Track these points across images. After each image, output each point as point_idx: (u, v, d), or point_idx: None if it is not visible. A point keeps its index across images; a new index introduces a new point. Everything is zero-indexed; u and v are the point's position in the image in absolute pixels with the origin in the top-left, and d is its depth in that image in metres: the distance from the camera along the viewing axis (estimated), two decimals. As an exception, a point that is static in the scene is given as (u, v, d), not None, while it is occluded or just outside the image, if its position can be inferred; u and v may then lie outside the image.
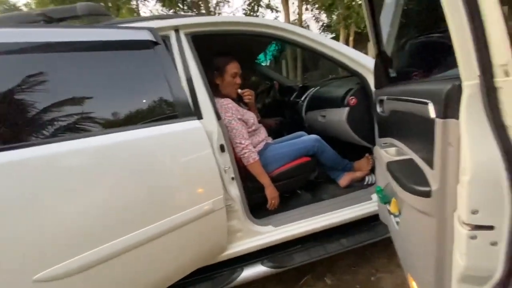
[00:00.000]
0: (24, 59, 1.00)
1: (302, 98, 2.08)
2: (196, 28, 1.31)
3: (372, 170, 1.70)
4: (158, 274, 1.13)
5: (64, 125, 1.00)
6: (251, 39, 1.73)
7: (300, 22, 8.00)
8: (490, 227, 0.46)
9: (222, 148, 1.29)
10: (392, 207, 1.01)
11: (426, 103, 0.57)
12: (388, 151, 0.88)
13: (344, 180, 1.69)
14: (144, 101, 1.23)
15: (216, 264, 1.36)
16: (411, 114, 0.67)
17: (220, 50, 1.62)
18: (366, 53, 1.57)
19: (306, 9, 9.39)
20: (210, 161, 1.18)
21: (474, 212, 0.46)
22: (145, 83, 1.23)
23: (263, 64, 2.87)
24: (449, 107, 0.50)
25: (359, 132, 1.53)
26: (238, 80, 1.52)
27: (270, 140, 1.66)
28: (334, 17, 8.07)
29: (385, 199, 1.09)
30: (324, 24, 10.69)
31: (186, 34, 1.31)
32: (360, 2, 7.44)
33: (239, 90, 1.59)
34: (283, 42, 1.47)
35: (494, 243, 0.47)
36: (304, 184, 1.67)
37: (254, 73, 2.62)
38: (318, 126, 1.89)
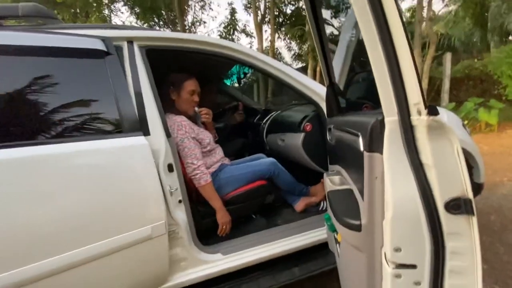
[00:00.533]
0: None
1: (264, 121, 2.09)
2: (151, 42, 1.27)
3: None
4: None
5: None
6: (215, 58, 1.73)
7: (272, 49, 8.40)
8: (413, 266, 0.45)
9: (170, 168, 1.20)
10: (339, 236, 1.00)
11: (358, 135, 0.58)
12: (332, 180, 0.88)
13: (299, 205, 1.68)
14: (88, 112, 1.14)
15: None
16: (349, 145, 0.68)
17: (180, 66, 1.58)
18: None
19: (279, 37, 9.97)
20: (151, 182, 1.08)
21: (397, 249, 0.45)
22: (92, 94, 1.15)
23: (230, 84, 2.89)
24: (374, 141, 0.51)
25: (313, 157, 1.55)
26: (195, 98, 1.48)
27: (226, 161, 1.61)
28: (305, 47, 8.63)
29: (332, 228, 1.08)
30: (296, 54, 11.35)
31: (140, 47, 1.26)
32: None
33: (196, 109, 1.54)
34: (241, 64, 1.47)
35: (417, 283, 0.46)
36: (259, 208, 1.62)
37: (219, 92, 2.61)
38: (278, 149, 1.90)
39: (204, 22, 10.20)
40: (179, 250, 1.25)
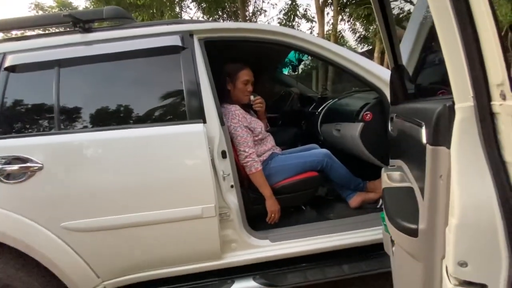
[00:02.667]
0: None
1: (319, 110, 1.99)
2: (209, 34, 1.33)
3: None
4: (156, 251, 1.24)
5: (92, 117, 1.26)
6: (270, 47, 1.72)
7: (334, 32, 7.83)
8: (483, 286, 0.37)
9: (223, 154, 1.27)
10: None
11: (421, 125, 0.49)
12: (391, 176, 0.78)
13: (354, 200, 1.57)
14: (160, 102, 1.31)
15: (207, 273, 1.33)
16: (411, 136, 0.58)
17: (236, 56, 1.62)
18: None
19: (342, 19, 9.19)
20: (204, 167, 1.17)
21: (462, 264, 0.37)
22: (169, 85, 1.30)
23: (285, 72, 2.83)
24: (440, 132, 0.42)
25: (372, 150, 1.41)
26: (249, 88, 1.51)
27: (278, 150, 1.61)
28: (371, 28, 7.77)
29: (389, 228, 0.97)
30: (361, 36, 10.33)
31: (200, 39, 1.33)
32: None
33: (251, 97, 1.57)
34: (298, 51, 1.42)
35: (487, 307, 0.37)
36: (309, 200, 1.58)
37: (274, 81, 2.59)
38: (333, 139, 1.79)
39: (265, 11, 10.13)
40: (230, 232, 1.32)
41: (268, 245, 1.35)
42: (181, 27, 1.32)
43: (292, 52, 2.22)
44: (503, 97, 0.32)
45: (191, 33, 1.31)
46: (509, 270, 0.33)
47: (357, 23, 9.37)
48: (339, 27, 8.61)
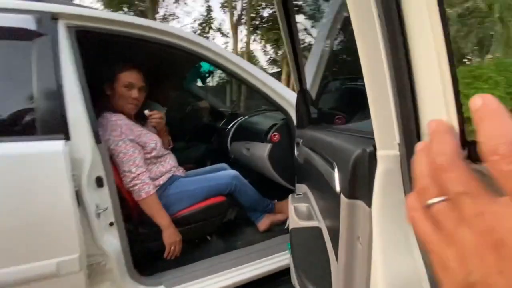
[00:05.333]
0: None
1: (229, 126, 1.88)
2: (81, 22, 1.00)
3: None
4: None
5: None
6: (175, 52, 1.49)
7: (247, 50, 8.24)
8: None
9: (99, 182, 0.95)
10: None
11: (333, 166, 0.40)
12: (298, 210, 0.71)
13: (263, 223, 1.49)
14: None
15: None
16: (320, 174, 0.51)
17: (128, 57, 1.31)
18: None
19: (254, 40, 9.85)
20: (63, 203, 0.83)
21: None
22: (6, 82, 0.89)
23: (196, 83, 2.64)
24: (358, 183, 0.34)
25: (280, 171, 1.38)
26: (134, 94, 1.20)
27: (180, 172, 1.37)
28: (280, 52, 8.60)
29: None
30: (271, 58, 11.33)
31: (69, 27, 0.98)
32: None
33: (146, 112, 1.28)
34: (203, 60, 1.26)
35: None
36: (215, 229, 1.40)
37: (180, 91, 2.35)
38: (242, 158, 1.70)
39: (177, 17, 9.68)
40: (108, 285, 0.99)
41: (163, 293, 1.08)
42: (39, 6, 0.95)
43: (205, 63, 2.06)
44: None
45: (54, 17, 0.96)
46: None
47: (268, 46, 10.23)
48: (252, 47, 9.15)
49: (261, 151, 1.39)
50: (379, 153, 0.33)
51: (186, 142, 2.19)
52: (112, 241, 0.99)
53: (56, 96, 0.88)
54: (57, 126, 0.87)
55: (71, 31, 0.99)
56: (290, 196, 0.95)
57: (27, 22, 0.90)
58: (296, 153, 0.99)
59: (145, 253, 1.18)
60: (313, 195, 0.73)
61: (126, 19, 1.06)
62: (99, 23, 1.03)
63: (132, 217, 1.18)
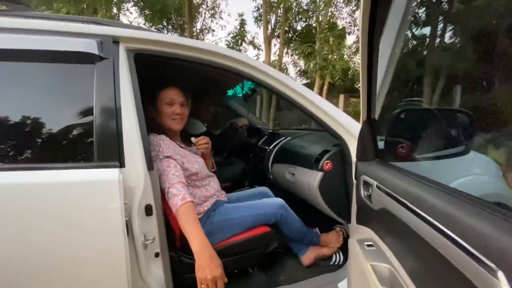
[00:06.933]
0: None
1: (271, 147, 1.80)
2: (143, 45, 0.99)
3: (342, 247, 1.42)
4: None
5: None
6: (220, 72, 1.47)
7: (280, 63, 8.22)
8: None
9: (148, 211, 0.90)
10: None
11: (492, 271, 0.29)
12: (378, 271, 0.58)
13: (307, 257, 1.37)
14: (51, 134, 0.88)
15: None
16: (412, 239, 0.40)
17: (172, 76, 1.29)
18: (336, 104, 1.40)
19: (287, 53, 9.84)
20: (113, 236, 0.79)
21: None
22: (65, 109, 0.90)
23: (234, 99, 2.62)
24: None
25: (331, 203, 1.26)
26: (176, 109, 1.14)
27: (223, 197, 1.30)
28: (311, 65, 8.46)
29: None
30: (301, 70, 11.23)
31: (128, 50, 0.98)
32: (336, 56, 7.95)
33: (193, 139, 1.25)
34: (250, 81, 1.20)
35: None
36: (258, 260, 1.30)
37: (221, 107, 2.34)
38: (285, 183, 1.60)
39: (213, 30, 10.01)
40: (149, 321, 0.93)
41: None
42: (102, 30, 0.95)
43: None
44: None
45: (115, 40, 0.96)
46: None
47: (299, 58, 10.18)
48: (283, 60, 9.14)
49: (311, 179, 1.28)
50: None
51: (223, 159, 2.15)
52: (156, 273, 0.94)
53: (114, 121, 0.87)
54: (113, 153, 0.85)
55: (130, 54, 0.98)
56: (356, 240, 0.82)
57: (91, 46, 0.90)
58: (363, 193, 0.87)
59: (187, 284, 1.11)
60: (395, 255, 0.61)
61: (183, 41, 1.04)
62: (157, 46, 1.01)
63: (174, 245, 1.13)
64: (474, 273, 0.32)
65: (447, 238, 0.37)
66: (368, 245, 0.74)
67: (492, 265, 0.30)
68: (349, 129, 1.16)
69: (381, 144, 0.92)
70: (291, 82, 1.17)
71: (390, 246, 0.64)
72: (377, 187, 0.72)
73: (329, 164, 1.23)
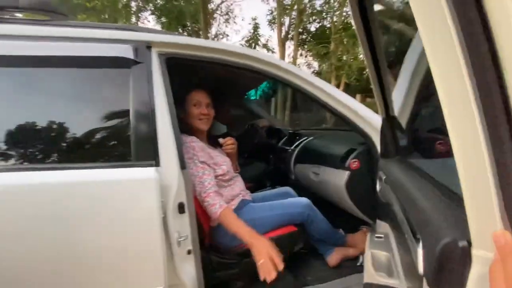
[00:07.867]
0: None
1: (292, 147, 1.80)
2: (173, 49, 1.03)
3: (368, 248, 1.39)
4: None
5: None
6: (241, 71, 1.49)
7: (294, 65, 8.23)
8: None
9: (181, 208, 0.93)
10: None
11: (417, 240, 0.33)
12: (376, 257, 0.57)
13: (334, 257, 1.35)
14: (92, 135, 0.93)
15: None
16: (404, 235, 0.40)
17: (196, 79, 1.33)
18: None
19: (301, 54, 9.81)
20: (151, 232, 0.82)
21: None
22: (103, 111, 0.94)
23: (253, 100, 2.64)
24: (444, 277, 0.27)
25: (358, 202, 1.24)
26: (204, 110, 1.21)
27: (248, 195, 1.32)
28: (325, 66, 8.38)
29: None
30: (315, 71, 11.16)
31: (160, 54, 1.02)
32: (351, 57, 7.83)
33: (220, 140, 1.29)
34: (276, 81, 1.21)
35: None
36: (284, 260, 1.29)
37: (241, 108, 2.36)
38: (309, 183, 1.60)
39: (227, 35, 10.19)
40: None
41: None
42: (136, 36, 1.00)
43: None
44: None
45: (148, 45, 1.00)
46: None
47: (313, 59, 10.11)
48: (298, 61, 9.11)
49: (337, 178, 1.27)
50: (475, 253, 0.26)
51: (244, 159, 2.17)
52: (189, 270, 0.96)
53: (150, 122, 0.91)
54: (148, 153, 0.88)
55: (162, 58, 1.02)
56: (369, 234, 0.81)
57: (126, 51, 0.95)
58: (378, 187, 0.86)
59: (216, 283, 1.13)
60: (396, 243, 0.60)
61: (211, 44, 1.07)
62: (187, 50, 1.05)
63: (203, 243, 1.15)
64: (411, 240, 0.35)
65: (407, 221, 0.37)
66: (378, 237, 0.73)
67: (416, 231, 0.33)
68: (377, 127, 1.14)
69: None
70: (321, 82, 1.17)
71: (392, 227, 0.63)
72: (385, 181, 0.71)
73: (356, 163, 1.21)
